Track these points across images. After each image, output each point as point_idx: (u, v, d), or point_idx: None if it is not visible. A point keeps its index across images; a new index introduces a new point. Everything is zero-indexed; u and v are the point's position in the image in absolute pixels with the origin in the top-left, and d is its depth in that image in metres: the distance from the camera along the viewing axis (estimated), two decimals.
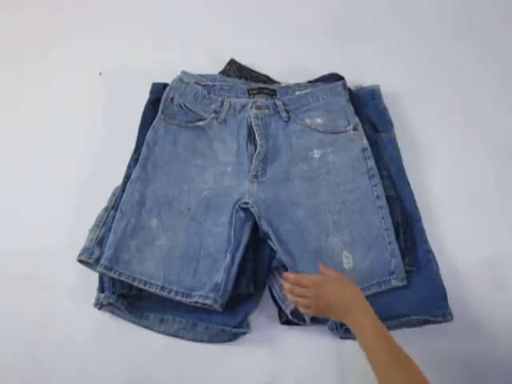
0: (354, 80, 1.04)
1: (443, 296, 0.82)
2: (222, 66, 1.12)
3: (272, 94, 0.97)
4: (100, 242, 0.87)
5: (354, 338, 0.76)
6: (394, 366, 0.61)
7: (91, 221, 0.90)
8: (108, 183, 0.94)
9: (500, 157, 1.03)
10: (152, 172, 0.89)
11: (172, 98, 0.93)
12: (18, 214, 0.97)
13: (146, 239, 0.84)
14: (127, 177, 0.91)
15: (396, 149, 0.99)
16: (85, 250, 0.86)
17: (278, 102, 0.94)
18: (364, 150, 0.91)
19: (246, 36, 1.20)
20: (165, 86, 0.99)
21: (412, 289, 0.83)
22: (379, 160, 0.93)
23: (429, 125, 1.06)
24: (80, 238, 0.88)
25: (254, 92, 0.97)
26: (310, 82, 1.03)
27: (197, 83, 0.96)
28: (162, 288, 0.81)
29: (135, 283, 0.81)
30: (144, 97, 1.00)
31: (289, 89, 0.98)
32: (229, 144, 0.92)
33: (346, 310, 0.68)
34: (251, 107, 0.93)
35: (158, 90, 0.99)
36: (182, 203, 0.87)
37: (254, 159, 0.89)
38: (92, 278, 0.85)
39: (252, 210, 0.85)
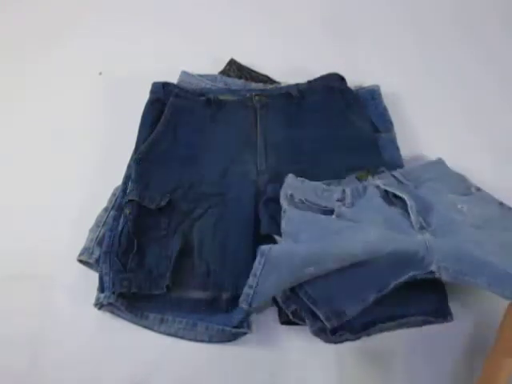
0: (354, 80, 1.04)
1: (443, 296, 0.82)
2: (221, 66, 1.12)
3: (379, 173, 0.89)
4: (100, 242, 0.87)
5: (335, 342, 0.76)
6: None
7: (91, 221, 0.90)
8: (108, 183, 0.94)
9: (500, 157, 1.03)
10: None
11: (291, 195, 0.84)
12: (17, 214, 0.97)
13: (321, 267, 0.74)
14: (127, 177, 0.91)
15: (396, 149, 0.99)
16: (85, 250, 0.87)
17: (397, 174, 0.86)
18: (501, 204, 0.86)
19: (246, 36, 1.20)
20: (164, 85, 0.99)
21: (412, 289, 0.83)
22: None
23: (429, 125, 1.06)
24: (80, 238, 0.88)
25: (364, 177, 0.88)
26: (309, 81, 1.03)
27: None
28: None
29: None
30: (144, 97, 0.99)
31: (393, 169, 0.90)
32: (370, 218, 0.80)
33: None
34: (375, 180, 0.86)
35: (158, 90, 0.99)
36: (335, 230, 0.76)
37: (410, 213, 0.79)
38: (92, 278, 0.85)
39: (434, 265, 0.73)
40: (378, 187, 0.84)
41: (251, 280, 0.72)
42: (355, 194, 0.84)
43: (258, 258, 0.73)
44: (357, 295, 0.74)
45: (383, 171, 0.89)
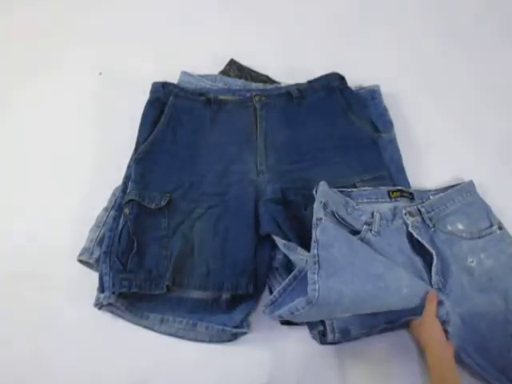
0: (354, 80, 1.04)
1: None
2: (222, 66, 1.13)
3: (410, 197, 0.89)
4: (100, 242, 0.87)
5: (333, 343, 0.78)
6: None
7: (91, 221, 0.90)
8: (108, 183, 0.94)
9: (500, 157, 1.03)
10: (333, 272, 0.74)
11: (325, 204, 0.82)
12: (18, 214, 0.97)
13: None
14: (127, 177, 0.91)
15: (396, 149, 0.99)
16: (85, 250, 0.87)
17: (422, 209, 0.86)
18: None
19: (246, 36, 1.20)
20: (164, 85, 0.99)
21: None
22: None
23: (429, 125, 1.07)
24: (80, 238, 0.88)
25: (396, 195, 0.88)
26: (310, 81, 1.03)
27: None
28: None
29: None
30: (144, 97, 1.00)
31: (423, 193, 0.90)
32: (392, 257, 0.81)
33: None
34: (405, 214, 0.85)
35: (157, 90, 0.99)
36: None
37: (432, 273, 0.80)
38: (92, 277, 0.85)
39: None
40: (405, 224, 0.84)
41: (291, 308, 0.69)
42: (383, 223, 0.84)
43: (302, 304, 0.69)
44: (368, 322, 0.76)
45: (412, 195, 0.88)
